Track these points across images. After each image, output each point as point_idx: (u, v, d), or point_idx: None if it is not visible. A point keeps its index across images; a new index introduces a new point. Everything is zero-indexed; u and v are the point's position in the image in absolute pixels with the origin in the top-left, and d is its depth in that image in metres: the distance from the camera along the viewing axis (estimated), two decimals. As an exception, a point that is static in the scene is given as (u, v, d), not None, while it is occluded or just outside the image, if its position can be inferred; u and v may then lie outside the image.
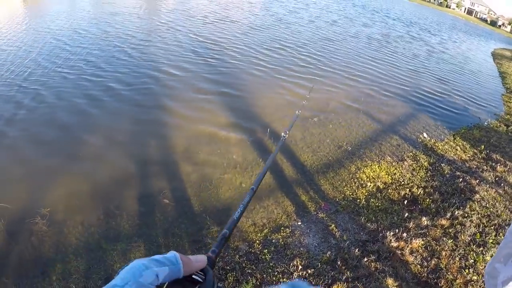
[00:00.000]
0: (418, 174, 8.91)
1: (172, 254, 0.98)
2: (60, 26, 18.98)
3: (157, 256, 0.95)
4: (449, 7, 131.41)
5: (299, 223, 6.66)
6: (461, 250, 6.46)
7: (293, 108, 11.63)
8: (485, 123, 13.93)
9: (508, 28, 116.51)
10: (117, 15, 22.77)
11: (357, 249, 6.08)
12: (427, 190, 8.21)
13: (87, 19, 21.17)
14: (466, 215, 7.50)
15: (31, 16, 21.23)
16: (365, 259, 5.88)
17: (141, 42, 17.42)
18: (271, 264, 5.67)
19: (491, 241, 6.82)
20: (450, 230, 6.92)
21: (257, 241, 6.10)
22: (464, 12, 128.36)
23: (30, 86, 11.22)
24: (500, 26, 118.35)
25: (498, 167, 9.92)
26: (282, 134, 2.93)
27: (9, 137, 8.61)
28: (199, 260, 1.06)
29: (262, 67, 15.58)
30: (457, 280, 5.91)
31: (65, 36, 17.27)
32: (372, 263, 5.87)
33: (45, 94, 10.76)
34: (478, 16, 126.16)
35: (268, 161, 2.26)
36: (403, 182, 8.40)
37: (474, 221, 7.30)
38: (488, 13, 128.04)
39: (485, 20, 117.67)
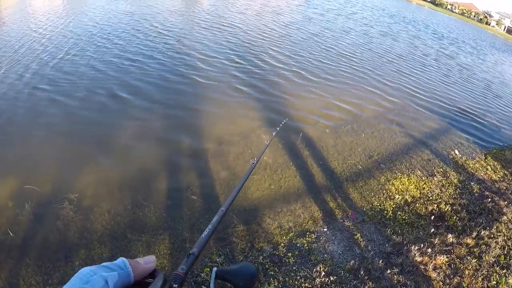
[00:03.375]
0: (447, 190, 8.94)
1: (120, 259, 1.00)
2: (101, 18, 19.48)
3: (105, 263, 0.96)
4: (489, 25, 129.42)
5: (325, 229, 6.77)
6: (484, 271, 6.51)
7: (327, 113, 11.76)
8: (518, 145, 13.83)
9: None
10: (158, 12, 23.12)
11: (381, 261, 6.17)
12: (454, 207, 8.24)
13: (128, 14, 21.52)
14: (492, 236, 7.54)
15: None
16: (388, 271, 5.97)
17: (178, 39, 17.73)
18: (294, 268, 5.79)
19: (515, 264, 6.82)
20: (475, 250, 6.97)
21: (282, 244, 6.22)
22: (504, 30, 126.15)
23: (71, 71, 11.62)
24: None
25: (528, 190, 9.87)
26: (251, 161, 2.93)
27: (43, 120, 8.90)
28: (148, 261, 1.10)
29: (296, 72, 15.75)
30: (478, 301, 5.96)
31: (104, 29, 17.70)
32: (395, 276, 5.95)
33: (84, 82, 11.11)
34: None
35: (237, 186, 2.26)
36: (431, 198, 8.45)
37: (499, 243, 7.33)
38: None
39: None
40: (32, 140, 8.10)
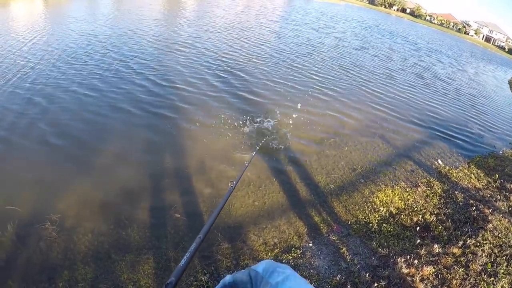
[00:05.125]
0: (432, 200, 8.90)
1: None
2: (75, 35, 19.64)
3: None
4: (467, 34, 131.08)
5: (310, 244, 6.68)
6: (471, 280, 6.43)
7: (309, 128, 11.67)
8: (500, 152, 13.88)
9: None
10: (138, 30, 23.09)
11: (367, 274, 6.09)
12: (440, 217, 8.20)
13: (106, 24, 21.42)
14: (478, 244, 7.48)
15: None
16: (375, 285, 5.88)
17: (159, 56, 17.80)
18: (280, 284, 5.63)
19: (502, 271, 6.78)
20: (462, 259, 6.90)
21: (268, 260, 6.07)
22: (482, 39, 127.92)
23: (47, 91, 11.50)
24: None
25: (512, 197, 9.85)
26: (230, 184, 2.96)
27: (25, 140, 8.80)
28: None
29: (278, 87, 15.68)
30: (467, 311, 5.90)
31: (82, 44, 17.83)
32: (382, 289, 5.84)
33: (63, 99, 11.06)
34: (496, 44, 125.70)
35: (215, 212, 2.30)
36: (416, 208, 8.41)
37: (486, 251, 7.28)
38: (506, 40, 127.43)
39: (503, 48, 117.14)
40: (12, 161, 7.98)
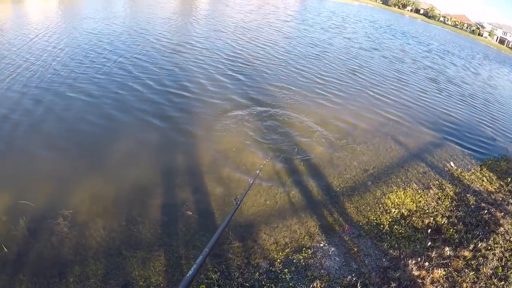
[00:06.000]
0: (443, 203, 8.85)
1: None
2: (91, 33, 19.58)
3: None
4: (481, 35, 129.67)
5: (321, 244, 6.68)
6: (482, 283, 6.40)
7: (322, 127, 11.65)
8: (513, 155, 13.73)
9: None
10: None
11: (378, 276, 6.09)
12: (451, 220, 8.15)
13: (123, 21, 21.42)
14: (489, 247, 7.43)
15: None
16: (386, 287, 5.87)
17: (173, 54, 17.85)
18: (290, 284, 5.70)
19: (513, 275, 6.71)
20: (472, 262, 6.86)
21: (278, 260, 6.14)
22: (496, 41, 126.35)
23: (62, 87, 11.55)
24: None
25: (524, 201, 9.77)
26: (234, 202, 2.99)
27: (38, 134, 8.82)
28: None
29: (290, 88, 15.71)
30: (477, 315, 5.87)
31: (95, 42, 17.88)
32: (393, 291, 5.83)
33: (77, 96, 11.10)
34: (510, 46, 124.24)
35: (220, 227, 2.38)
36: (427, 211, 8.36)
37: (497, 254, 7.23)
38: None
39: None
40: (27, 156, 8.02)
